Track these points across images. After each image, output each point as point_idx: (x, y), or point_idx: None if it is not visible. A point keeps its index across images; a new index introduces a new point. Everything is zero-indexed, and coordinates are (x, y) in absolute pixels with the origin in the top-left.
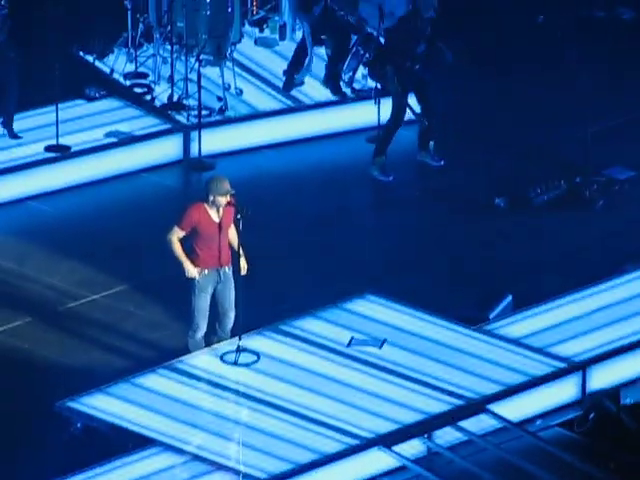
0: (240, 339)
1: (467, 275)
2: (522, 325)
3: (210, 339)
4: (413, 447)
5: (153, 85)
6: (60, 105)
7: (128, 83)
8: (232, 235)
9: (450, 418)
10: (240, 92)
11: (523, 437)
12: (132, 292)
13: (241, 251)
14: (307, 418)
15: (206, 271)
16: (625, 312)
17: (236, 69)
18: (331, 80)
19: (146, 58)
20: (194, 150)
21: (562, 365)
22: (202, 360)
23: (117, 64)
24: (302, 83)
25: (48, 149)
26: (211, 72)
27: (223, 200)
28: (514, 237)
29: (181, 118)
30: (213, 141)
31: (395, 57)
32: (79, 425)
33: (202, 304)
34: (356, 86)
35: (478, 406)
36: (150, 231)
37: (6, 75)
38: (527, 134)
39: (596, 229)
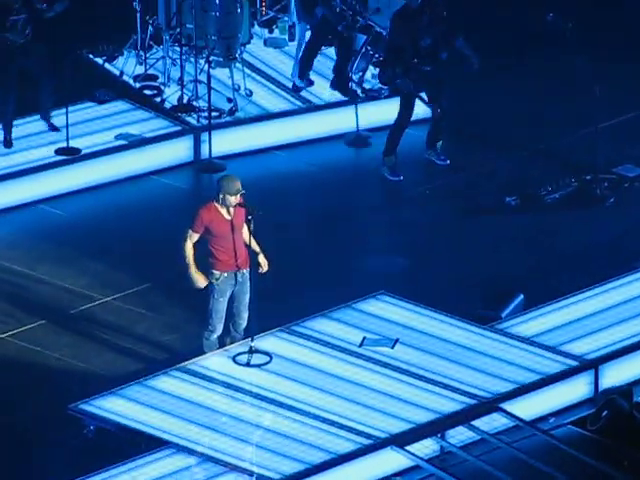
0: (252, 340)
1: (478, 274)
2: (534, 323)
3: (223, 340)
4: (426, 446)
5: (163, 87)
6: (70, 108)
7: (138, 85)
8: (247, 236)
9: (463, 417)
10: (250, 93)
11: (536, 435)
12: (144, 294)
13: (258, 248)
14: (320, 418)
15: (225, 274)
16: (637, 310)
17: (246, 70)
18: (340, 82)
19: (155, 60)
20: (204, 152)
21: (574, 363)
22: (215, 361)
23: (127, 66)
24: (312, 83)
25: (58, 152)
26: (221, 73)
27: (233, 199)
28: (525, 236)
29: (191, 120)
30: (223, 142)
31: (399, 56)
32: (92, 427)
33: (220, 307)
34: (366, 86)
35: (491, 405)
36: (161, 233)
37: (39, 72)
38: (537, 132)
39: (607, 227)
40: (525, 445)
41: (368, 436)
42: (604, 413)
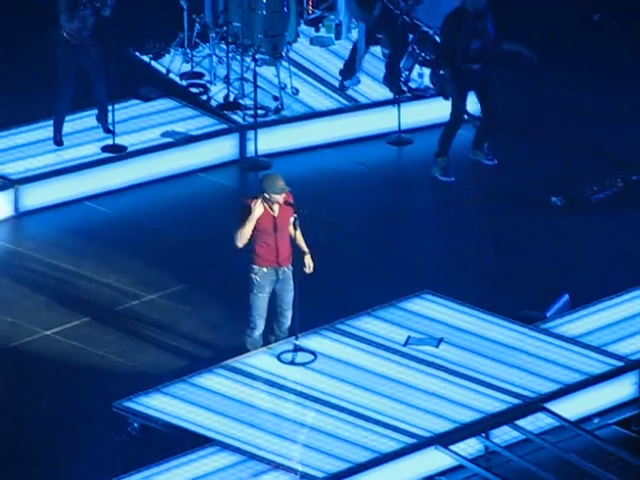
0: (297, 338)
1: (524, 273)
2: (579, 324)
3: (268, 338)
4: (470, 446)
5: (209, 85)
6: (116, 105)
7: (184, 83)
8: (296, 234)
9: (507, 417)
10: (296, 91)
11: (580, 436)
12: (189, 292)
13: (306, 248)
14: (364, 417)
15: (265, 269)
16: None
17: (292, 68)
18: (391, 79)
19: (202, 58)
20: (250, 150)
21: (619, 363)
22: (259, 359)
23: (173, 64)
24: (359, 82)
25: (105, 149)
26: (267, 72)
27: (278, 198)
28: (570, 236)
29: (237, 118)
30: (269, 140)
31: (450, 58)
32: (137, 425)
33: (260, 303)
34: (412, 85)
35: (535, 405)
36: (207, 231)
37: (96, 71)
38: (583, 132)
39: None
40: (569, 445)
41: (412, 435)
42: None
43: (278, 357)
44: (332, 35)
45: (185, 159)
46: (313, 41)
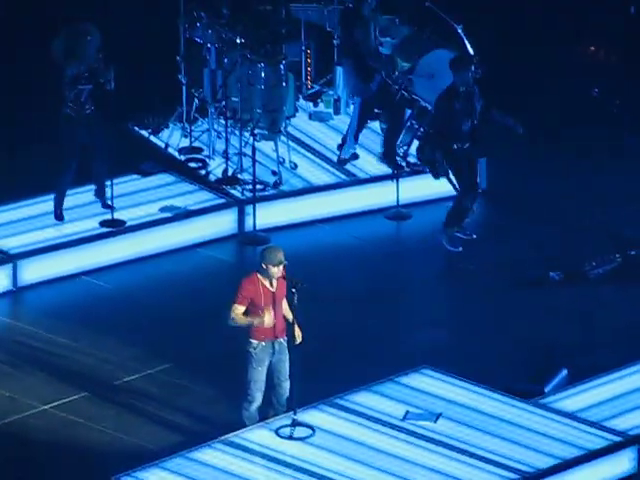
0: (295, 413)
1: (522, 348)
2: (577, 399)
3: (267, 413)
4: None
5: (208, 160)
6: (115, 180)
7: (183, 158)
8: (285, 306)
9: None
10: (295, 166)
11: None
12: (187, 367)
13: (294, 320)
14: None
15: (263, 343)
16: None
17: (290, 143)
18: (389, 155)
19: (201, 133)
20: (249, 224)
21: (617, 439)
22: (257, 434)
23: (172, 139)
24: (356, 157)
25: (103, 224)
26: (265, 146)
27: (275, 270)
28: (569, 311)
29: (236, 192)
30: (268, 215)
31: (442, 140)
32: None
33: (259, 376)
34: (411, 160)
35: None
36: (206, 305)
37: (97, 147)
38: (583, 207)
39: None
40: None
41: None
42: None
43: (276, 432)
44: (331, 110)
45: (183, 234)
46: (312, 116)
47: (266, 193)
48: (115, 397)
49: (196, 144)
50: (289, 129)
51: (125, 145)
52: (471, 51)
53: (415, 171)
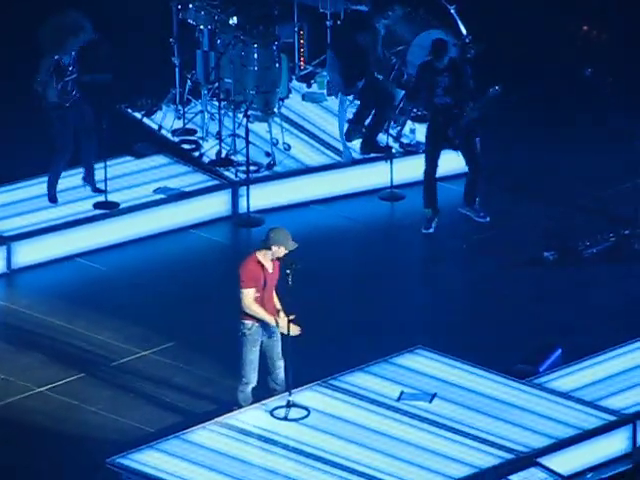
0: (290, 394)
1: (516, 328)
2: (572, 378)
3: (263, 393)
4: None
5: (201, 141)
6: (109, 162)
7: (176, 139)
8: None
9: (501, 472)
10: (288, 147)
11: None
12: (182, 348)
13: (279, 306)
14: (357, 473)
15: (257, 324)
16: None
17: (284, 124)
18: (369, 144)
19: (194, 114)
20: (243, 206)
21: (612, 418)
22: (252, 415)
23: (165, 121)
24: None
25: (97, 206)
26: (259, 128)
27: (279, 251)
28: (563, 290)
29: (229, 174)
30: (261, 196)
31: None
32: None
33: (252, 357)
34: (404, 140)
35: (528, 460)
36: (199, 287)
37: (86, 131)
38: (576, 186)
39: None
40: None
41: None
42: None
43: (271, 413)
44: (324, 91)
45: (177, 215)
46: (305, 97)
47: (260, 174)
48: (110, 379)
49: (189, 126)
50: (282, 110)
51: (119, 127)
52: (464, 31)
53: (408, 152)
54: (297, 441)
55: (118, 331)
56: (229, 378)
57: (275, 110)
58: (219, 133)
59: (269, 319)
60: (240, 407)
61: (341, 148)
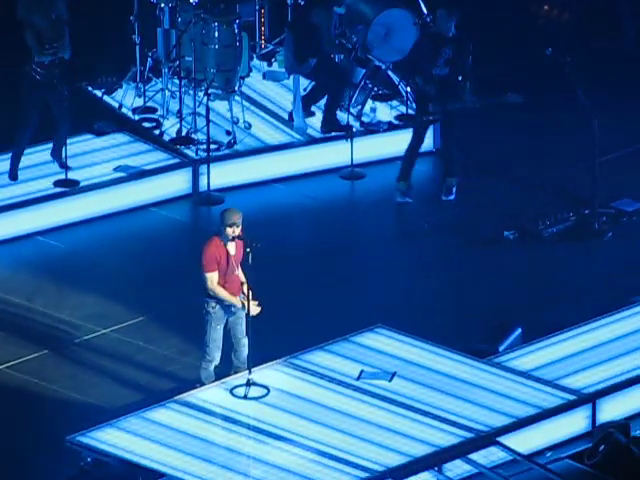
0: (250, 372)
1: (476, 308)
2: (532, 357)
3: (227, 372)
4: None
5: (162, 119)
6: (69, 140)
7: (137, 118)
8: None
9: (460, 451)
10: (249, 126)
11: (533, 469)
12: (142, 326)
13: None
14: (317, 451)
15: (221, 303)
16: (635, 344)
17: (245, 103)
18: (328, 123)
19: (155, 92)
20: (203, 184)
21: (572, 397)
22: (212, 394)
23: (126, 99)
24: (312, 114)
25: (57, 184)
26: (220, 106)
27: (230, 231)
28: (523, 270)
29: (190, 152)
30: (222, 175)
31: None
32: (89, 459)
33: (216, 335)
34: (365, 119)
35: (488, 439)
36: (159, 265)
37: (59, 111)
38: (536, 166)
39: (605, 261)
40: (522, 479)
41: (365, 469)
42: (601, 447)
43: (231, 391)
44: (284, 70)
45: (138, 193)
46: (266, 75)
47: (220, 153)
48: (70, 357)
49: (150, 104)
50: (243, 89)
51: (79, 105)
52: (425, 10)
53: (369, 131)
54: (257, 419)
55: (78, 309)
56: (190, 356)
57: (236, 88)
58: (180, 111)
59: (233, 300)
60: (202, 385)
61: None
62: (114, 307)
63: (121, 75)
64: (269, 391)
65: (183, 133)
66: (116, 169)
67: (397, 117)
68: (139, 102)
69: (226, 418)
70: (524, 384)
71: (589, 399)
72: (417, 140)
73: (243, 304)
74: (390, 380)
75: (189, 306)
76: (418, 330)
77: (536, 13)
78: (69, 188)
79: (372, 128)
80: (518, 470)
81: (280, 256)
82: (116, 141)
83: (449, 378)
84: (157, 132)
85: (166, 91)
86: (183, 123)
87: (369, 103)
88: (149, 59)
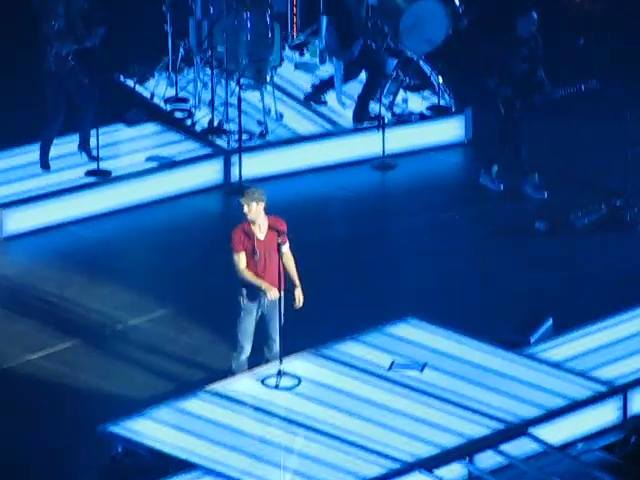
0: (282, 362)
1: (508, 299)
2: (563, 349)
3: (259, 361)
4: (454, 471)
5: (193, 109)
6: (101, 130)
7: (169, 108)
8: (289, 263)
9: (491, 442)
10: (280, 116)
11: (564, 461)
12: (174, 316)
13: (297, 282)
14: (348, 442)
15: (254, 294)
16: None
17: (276, 93)
18: (359, 114)
19: (186, 83)
20: (234, 174)
21: (603, 389)
22: (244, 384)
23: (157, 89)
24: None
25: (89, 174)
26: (251, 96)
27: (246, 208)
28: (555, 260)
29: (221, 142)
30: (253, 165)
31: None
32: (120, 449)
33: (247, 326)
34: (396, 110)
35: (519, 430)
36: (191, 256)
37: (82, 100)
38: (568, 157)
39: (637, 252)
40: (554, 470)
41: (396, 460)
42: (633, 439)
43: (262, 382)
44: (316, 60)
45: (169, 184)
46: (297, 66)
47: (252, 143)
48: (101, 347)
49: (182, 94)
50: (275, 79)
51: (111, 94)
52: (457, 1)
53: (401, 121)
54: (287, 410)
55: (110, 299)
56: (221, 346)
57: (268, 79)
58: (211, 101)
59: (260, 284)
60: (233, 375)
61: (334, 117)
62: (145, 297)
63: (153, 65)
64: (300, 381)
65: (215, 123)
66: (147, 159)
67: (429, 108)
68: (171, 92)
69: (257, 408)
70: (555, 375)
71: (620, 390)
72: (511, 137)
73: (273, 292)
74: (421, 371)
75: (220, 296)
76: (449, 321)
77: (568, 4)
78: (101, 178)
79: (404, 119)
80: (549, 461)
81: (311, 246)
82: (148, 131)
83: (480, 369)
84: (189, 122)
85: (198, 81)
86: (215, 113)
87: (401, 94)
88: (181, 49)
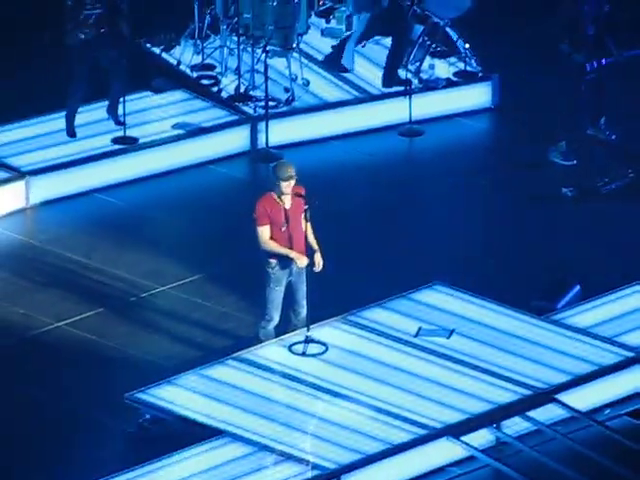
0: (308, 330)
1: (535, 265)
2: (590, 314)
3: (285, 329)
4: (482, 437)
5: (220, 77)
6: (127, 97)
7: (195, 75)
8: (307, 228)
9: (518, 408)
10: (307, 83)
11: (592, 426)
12: (201, 283)
13: (316, 246)
14: (375, 408)
15: (282, 263)
16: None
17: (303, 60)
18: (389, 77)
19: (213, 50)
20: (261, 141)
21: (631, 354)
22: (270, 351)
23: (184, 56)
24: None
25: (115, 141)
26: (278, 63)
27: (285, 185)
28: (582, 226)
29: (248, 109)
30: (280, 132)
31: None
32: (148, 416)
33: (276, 295)
34: (423, 76)
35: (546, 396)
36: (218, 222)
37: (111, 67)
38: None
39: None
40: (581, 436)
41: (423, 426)
42: None
43: (289, 348)
44: (343, 26)
45: (196, 151)
46: (324, 32)
47: (278, 110)
48: (128, 314)
49: (208, 61)
50: (301, 46)
51: (137, 62)
52: None
53: (428, 87)
54: (314, 376)
55: (136, 266)
56: (247, 313)
57: (294, 45)
58: (238, 68)
59: (288, 253)
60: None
61: (361, 84)
62: (171, 264)
63: (179, 32)
64: (327, 348)
65: (241, 90)
66: (174, 126)
67: (455, 74)
68: (197, 59)
69: (284, 375)
70: (582, 341)
71: None
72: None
73: (302, 259)
74: (448, 337)
75: (246, 263)
76: (476, 287)
77: None
78: (127, 145)
79: (430, 85)
80: (576, 427)
81: (338, 213)
82: (174, 98)
83: (507, 335)
84: (215, 89)
85: (224, 48)
86: (241, 80)
87: (427, 60)
88: (207, 16)
